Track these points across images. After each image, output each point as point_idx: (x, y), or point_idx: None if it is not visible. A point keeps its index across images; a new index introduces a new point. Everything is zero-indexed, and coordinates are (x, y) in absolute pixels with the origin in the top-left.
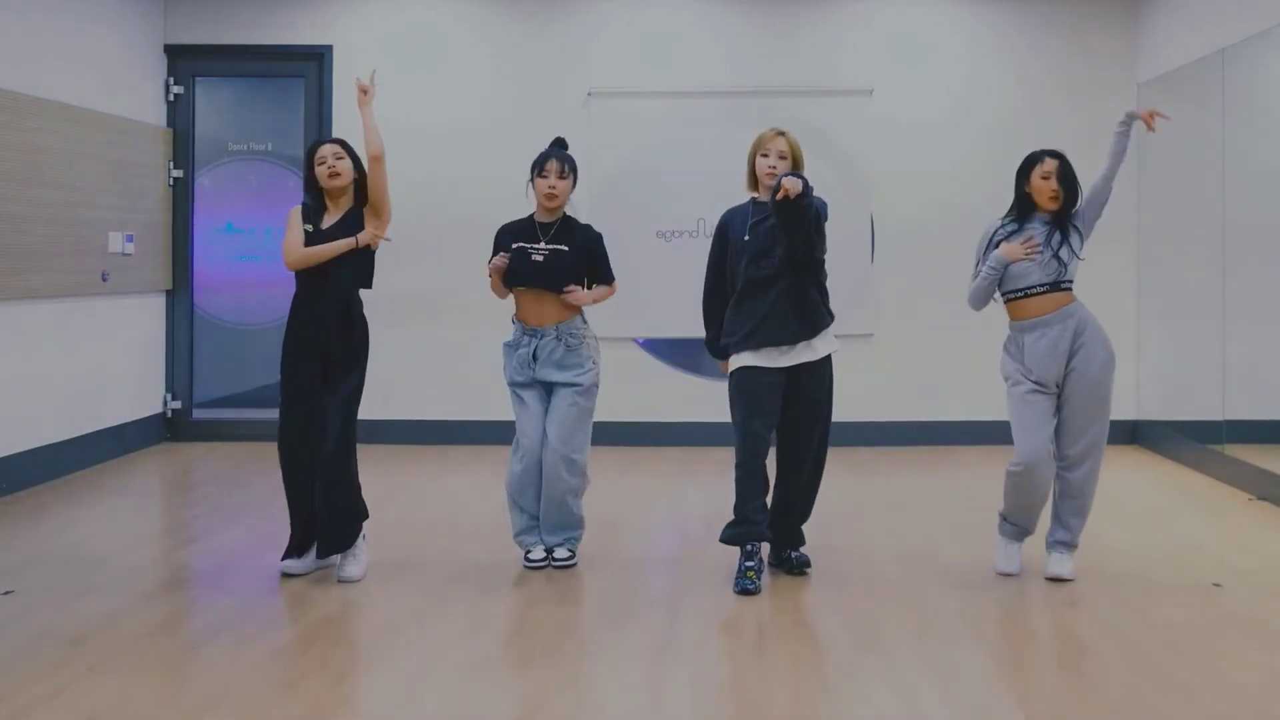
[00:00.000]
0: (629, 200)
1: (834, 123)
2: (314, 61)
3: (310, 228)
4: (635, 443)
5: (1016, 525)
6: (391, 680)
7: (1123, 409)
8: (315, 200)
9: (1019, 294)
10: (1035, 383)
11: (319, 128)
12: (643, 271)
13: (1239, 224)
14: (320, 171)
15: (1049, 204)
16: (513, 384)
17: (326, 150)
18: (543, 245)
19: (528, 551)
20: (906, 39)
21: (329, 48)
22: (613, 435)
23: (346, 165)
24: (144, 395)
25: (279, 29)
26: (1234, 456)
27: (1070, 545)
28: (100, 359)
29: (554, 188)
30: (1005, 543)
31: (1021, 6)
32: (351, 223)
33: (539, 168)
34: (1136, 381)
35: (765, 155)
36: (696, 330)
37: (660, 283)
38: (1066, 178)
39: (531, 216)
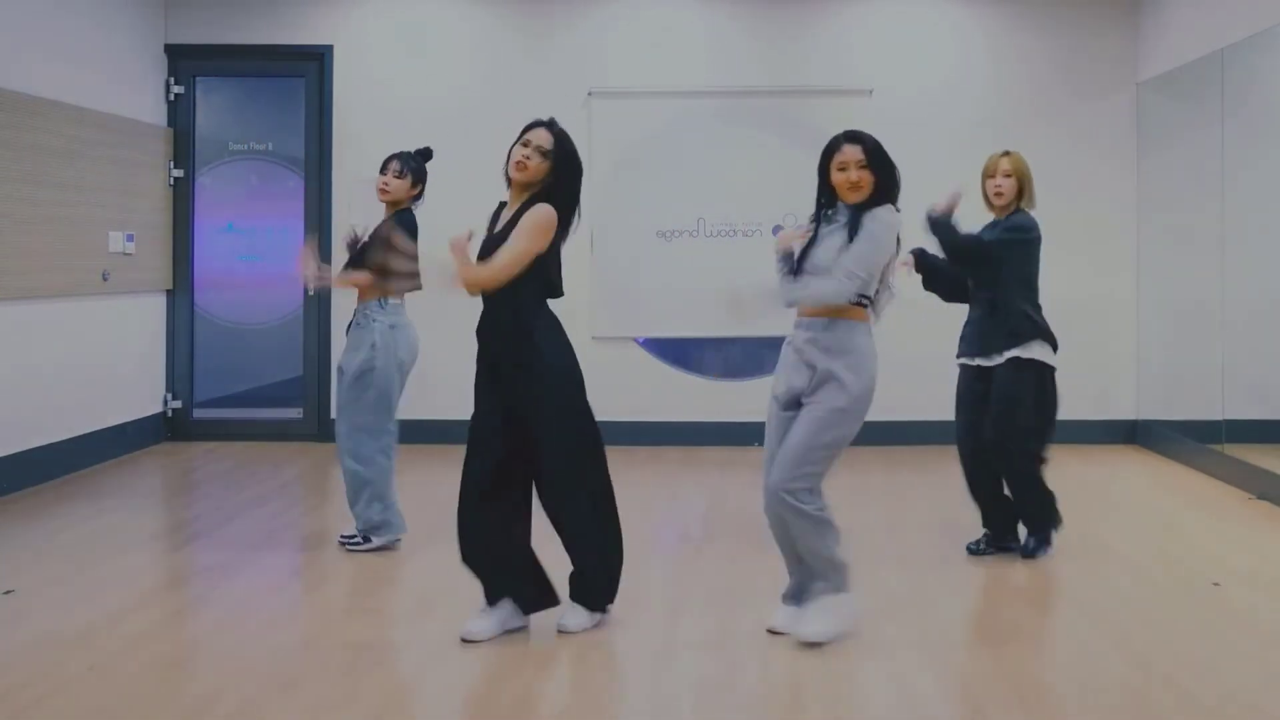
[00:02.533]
0: (629, 200)
1: (834, 123)
2: (314, 61)
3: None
4: (635, 442)
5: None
6: (390, 679)
7: (1122, 408)
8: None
9: None
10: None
11: (319, 127)
12: (643, 271)
13: (1238, 223)
14: (515, 151)
15: (847, 196)
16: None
17: (534, 135)
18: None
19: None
20: (906, 39)
21: (329, 48)
22: (613, 435)
23: (541, 166)
24: (144, 395)
25: (279, 29)
26: (1233, 456)
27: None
28: (101, 358)
29: (386, 185)
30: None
31: (1021, 6)
32: (515, 221)
33: (384, 165)
34: (1136, 381)
35: (992, 177)
36: (696, 330)
37: (660, 282)
38: (876, 162)
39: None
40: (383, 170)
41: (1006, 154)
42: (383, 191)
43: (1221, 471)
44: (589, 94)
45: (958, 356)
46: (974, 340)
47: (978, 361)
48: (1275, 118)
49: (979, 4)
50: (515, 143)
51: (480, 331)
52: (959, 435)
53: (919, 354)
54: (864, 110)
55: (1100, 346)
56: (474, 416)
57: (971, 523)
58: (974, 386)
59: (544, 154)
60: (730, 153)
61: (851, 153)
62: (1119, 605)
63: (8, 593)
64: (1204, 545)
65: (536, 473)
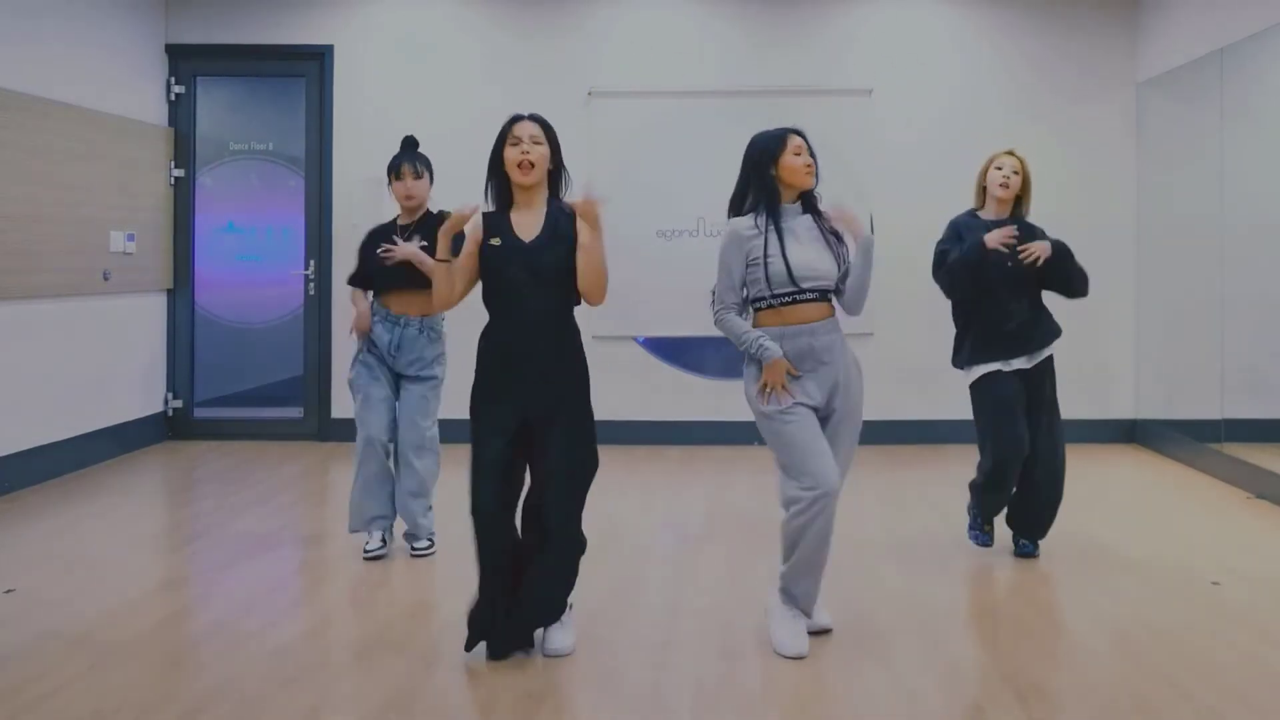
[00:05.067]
0: (629, 200)
1: (834, 123)
2: (315, 61)
3: (498, 241)
4: (635, 441)
5: (805, 590)
6: (391, 678)
7: (1121, 408)
8: (502, 198)
9: (787, 299)
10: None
11: (320, 127)
12: (643, 270)
13: (1237, 223)
14: (510, 155)
15: (806, 180)
16: (364, 363)
17: (524, 130)
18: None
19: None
20: (906, 39)
21: (330, 48)
22: (612, 434)
23: (544, 154)
24: (145, 394)
25: (280, 29)
26: (1232, 455)
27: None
28: (102, 358)
29: (410, 191)
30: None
31: (1021, 7)
32: (560, 234)
33: (394, 172)
34: (1135, 380)
35: (999, 169)
36: (696, 329)
37: (660, 282)
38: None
39: (395, 220)
40: (397, 176)
41: (1011, 152)
42: (409, 198)
43: (1220, 471)
44: (589, 94)
45: (991, 361)
46: (1021, 343)
47: (1017, 365)
48: (1275, 118)
49: (979, 4)
50: (502, 146)
51: (520, 339)
52: (1016, 441)
53: (919, 355)
54: (864, 110)
55: (1099, 346)
56: (488, 432)
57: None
58: (1018, 390)
59: (539, 144)
60: (730, 153)
61: (802, 140)
62: (1119, 605)
63: (8, 591)
64: (1203, 544)
65: (544, 480)
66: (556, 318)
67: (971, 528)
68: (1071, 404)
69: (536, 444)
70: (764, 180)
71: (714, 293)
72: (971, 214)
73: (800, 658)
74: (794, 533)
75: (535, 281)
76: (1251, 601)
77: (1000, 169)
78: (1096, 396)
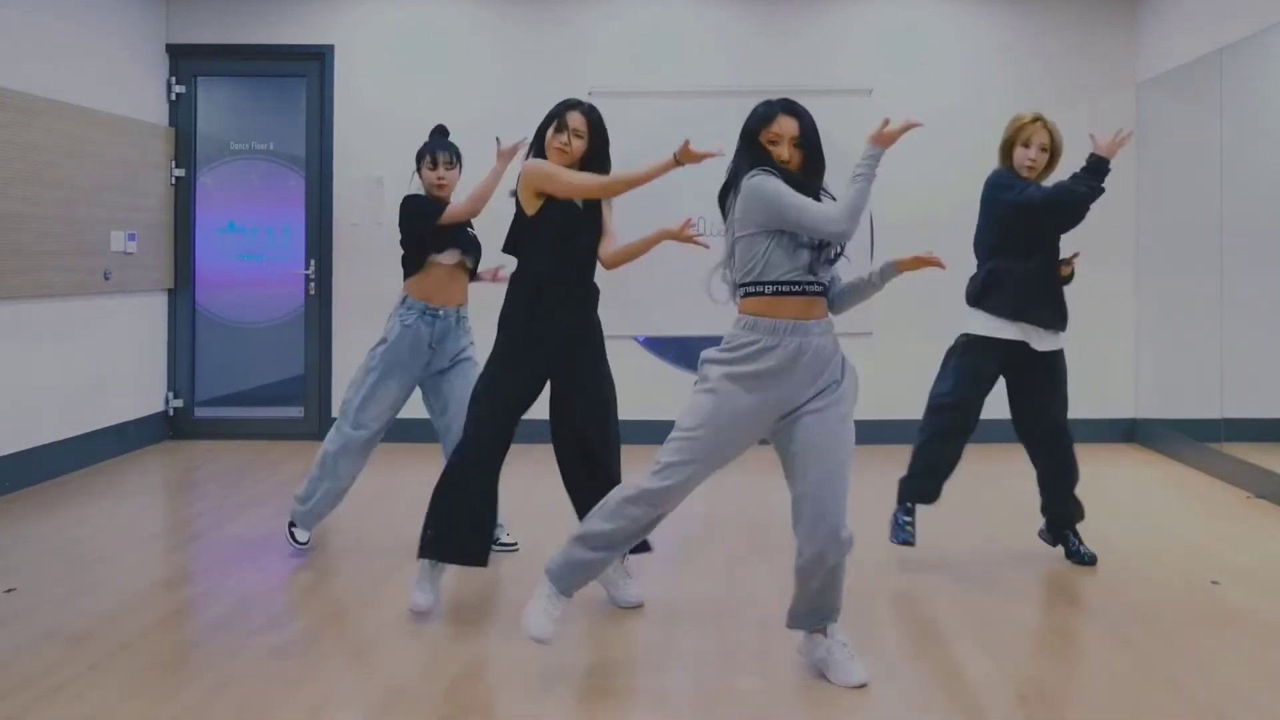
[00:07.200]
0: (629, 199)
1: (833, 122)
2: (315, 61)
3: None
4: (635, 441)
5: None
6: (392, 679)
7: (1121, 407)
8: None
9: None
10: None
11: (320, 127)
12: (643, 270)
13: (1237, 223)
14: (552, 139)
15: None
16: (396, 363)
17: (574, 120)
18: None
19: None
20: (906, 39)
21: (330, 47)
22: None
23: (581, 148)
24: (146, 393)
25: (280, 29)
26: (1232, 455)
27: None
28: (102, 357)
29: (443, 178)
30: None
31: (1020, 6)
32: (594, 208)
33: (429, 156)
34: (1134, 380)
35: (1026, 147)
36: (696, 329)
37: (661, 281)
38: (808, 142)
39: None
40: (432, 165)
41: (1040, 119)
42: (441, 186)
43: (1220, 470)
44: (589, 93)
45: (1020, 320)
46: (1049, 312)
47: (1043, 342)
48: (1275, 118)
49: (979, 4)
50: (548, 127)
51: (565, 299)
52: (1031, 419)
53: (918, 355)
54: (863, 110)
55: (1099, 345)
56: (513, 383)
57: (968, 521)
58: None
59: (580, 136)
60: (730, 152)
61: (788, 126)
62: (1119, 605)
63: (9, 591)
64: (1203, 544)
65: (597, 434)
66: (591, 273)
67: (895, 523)
68: (1071, 404)
69: (570, 382)
70: (752, 151)
71: (809, 212)
72: (1013, 173)
73: (543, 641)
74: (617, 521)
75: (582, 236)
76: (1251, 601)
77: (1027, 147)
78: (1096, 396)
